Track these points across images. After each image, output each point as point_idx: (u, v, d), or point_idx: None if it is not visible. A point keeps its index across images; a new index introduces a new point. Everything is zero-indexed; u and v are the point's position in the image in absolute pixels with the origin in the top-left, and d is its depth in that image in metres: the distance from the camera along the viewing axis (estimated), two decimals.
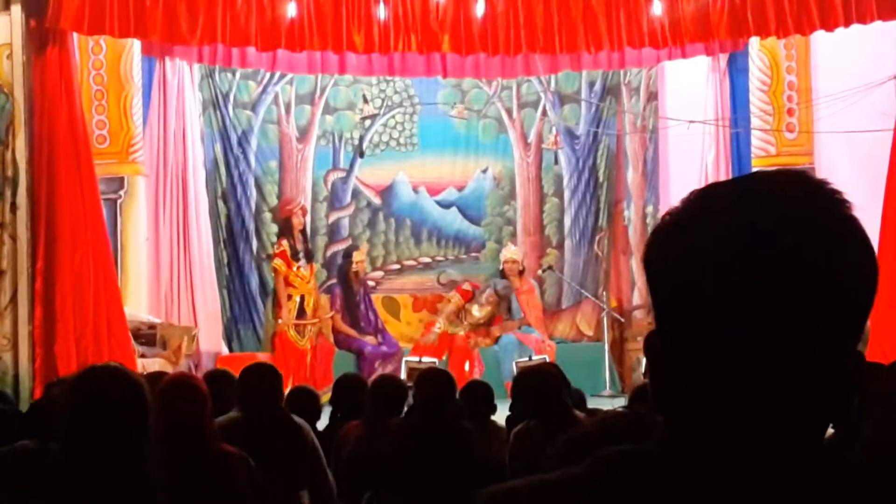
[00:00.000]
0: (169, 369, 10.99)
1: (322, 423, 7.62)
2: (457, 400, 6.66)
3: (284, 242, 14.50)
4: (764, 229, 1.29)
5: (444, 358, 14.55)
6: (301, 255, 14.52)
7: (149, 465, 3.21)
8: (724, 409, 1.31)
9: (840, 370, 1.31)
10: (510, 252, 15.68)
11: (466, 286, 15.73)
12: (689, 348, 1.33)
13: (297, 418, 6.39)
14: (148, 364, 11.83)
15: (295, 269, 14.40)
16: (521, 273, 15.61)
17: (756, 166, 13.59)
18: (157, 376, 6.45)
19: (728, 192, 1.36)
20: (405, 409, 6.90)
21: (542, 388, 6.73)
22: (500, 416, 7.67)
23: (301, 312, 14.43)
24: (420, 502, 6.07)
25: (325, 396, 10.43)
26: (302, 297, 14.45)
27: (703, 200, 1.36)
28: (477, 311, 15.52)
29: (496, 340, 15.31)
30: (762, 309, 1.27)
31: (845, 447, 4.36)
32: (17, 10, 11.60)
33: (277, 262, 14.45)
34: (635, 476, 1.37)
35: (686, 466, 1.34)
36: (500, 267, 15.75)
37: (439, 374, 6.79)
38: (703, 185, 1.42)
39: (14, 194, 11.51)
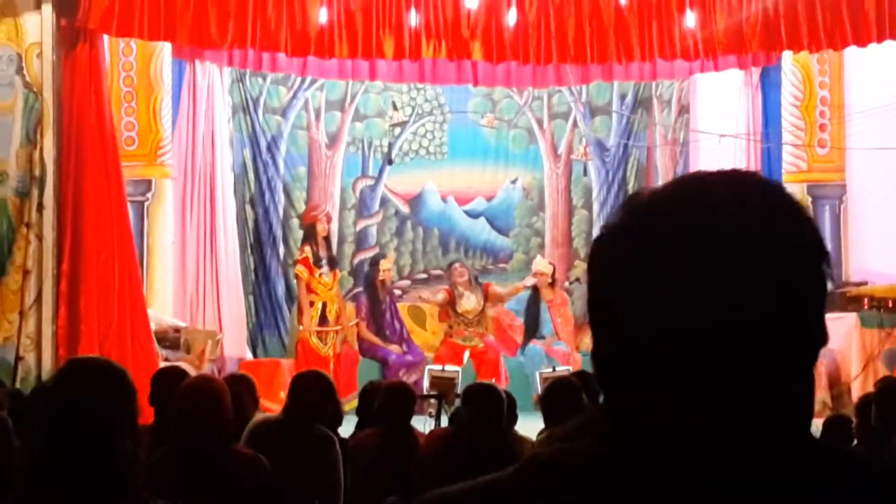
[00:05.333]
0: (193, 374, 10.98)
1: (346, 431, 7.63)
2: (505, 415, 6.73)
3: (307, 249, 14.36)
4: (711, 240, 1.26)
5: (464, 364, 14.19)
6: (324, 261, 14.40)
7: (141, 457, 3.14)
8: (667, 416, 1.28)
9: (791, 379, 1.28)
10: (540, 264, 15.53)
11: (442, 293, 15.22)
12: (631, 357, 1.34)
13: (323, 429, 6.41)
14: None
15: (317, 275, 14.29)
16: (551, 285, 15.46)
17: (787, 182, 13.48)
18: (174, 371, 6.51)
19: (670, 199, 1.33)
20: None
21: (565, 397, 6.73)
22: (522, 426, 7.64)
23: (323, 319, 14.31)
24: None
25: (349, 405, 10.44)
26: (324, 304, 14.35)
27: (645, 210, 1.34)
28: (465, 303, 15.20)
29: (523, 347, 15.11)
30: (713, 325, 1.26)
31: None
32: (48, 9, 11.64)
33: (299, 268, 14.33)
34: (561, 478, 1.31)
35: (619, 465, 1.30)
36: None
37: (490, 389, 6.90)
38: None
39: (41, 194, 11.52)
